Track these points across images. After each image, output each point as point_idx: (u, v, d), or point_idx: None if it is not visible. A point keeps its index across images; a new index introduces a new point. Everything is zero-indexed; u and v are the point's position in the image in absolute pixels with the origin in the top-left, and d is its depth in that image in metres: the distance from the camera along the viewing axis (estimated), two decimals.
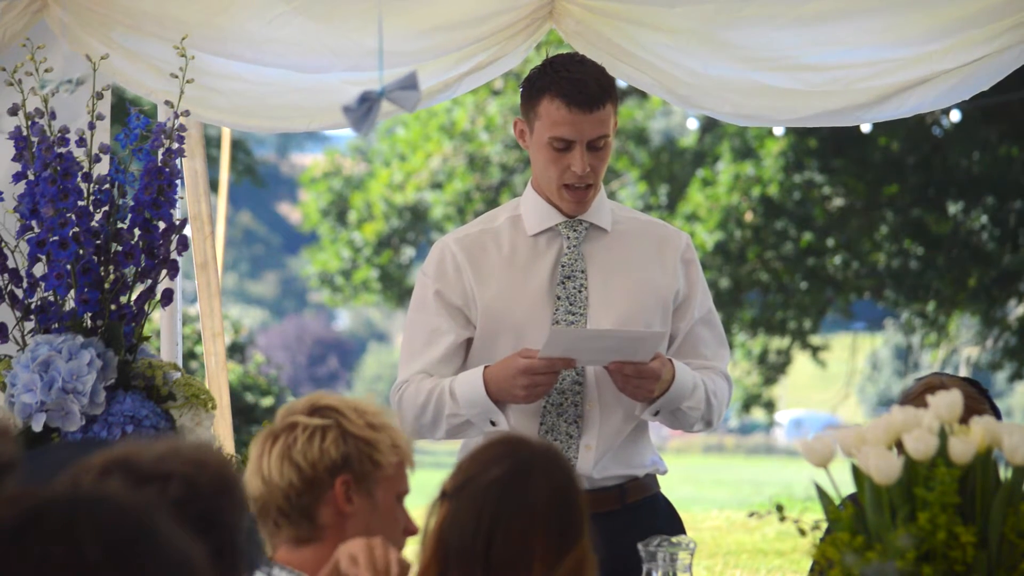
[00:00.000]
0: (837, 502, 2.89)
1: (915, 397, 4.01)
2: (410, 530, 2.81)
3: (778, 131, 16.29)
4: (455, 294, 4.07)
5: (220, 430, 4.94)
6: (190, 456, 2.06)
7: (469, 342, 4.08)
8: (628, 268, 4.08)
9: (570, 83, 3.98)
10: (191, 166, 5.07)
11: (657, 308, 4.08)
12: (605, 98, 3.98)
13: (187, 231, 4.35)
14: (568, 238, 4.08)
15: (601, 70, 4.05)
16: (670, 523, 4.08)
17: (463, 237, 4.12)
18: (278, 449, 2.83)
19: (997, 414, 4.05)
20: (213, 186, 9.75)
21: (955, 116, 15.36)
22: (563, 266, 4.06)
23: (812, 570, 3.57)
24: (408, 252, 20.59)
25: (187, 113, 4.32)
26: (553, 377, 3.90)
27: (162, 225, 4.20)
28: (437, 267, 4.09)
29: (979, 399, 4.01)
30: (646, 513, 4.07)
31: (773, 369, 19.26)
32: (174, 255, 4.24)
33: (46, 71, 4.25)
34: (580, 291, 4.04)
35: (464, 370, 4.06)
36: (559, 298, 4.03)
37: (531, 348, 3.92)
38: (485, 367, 3.97)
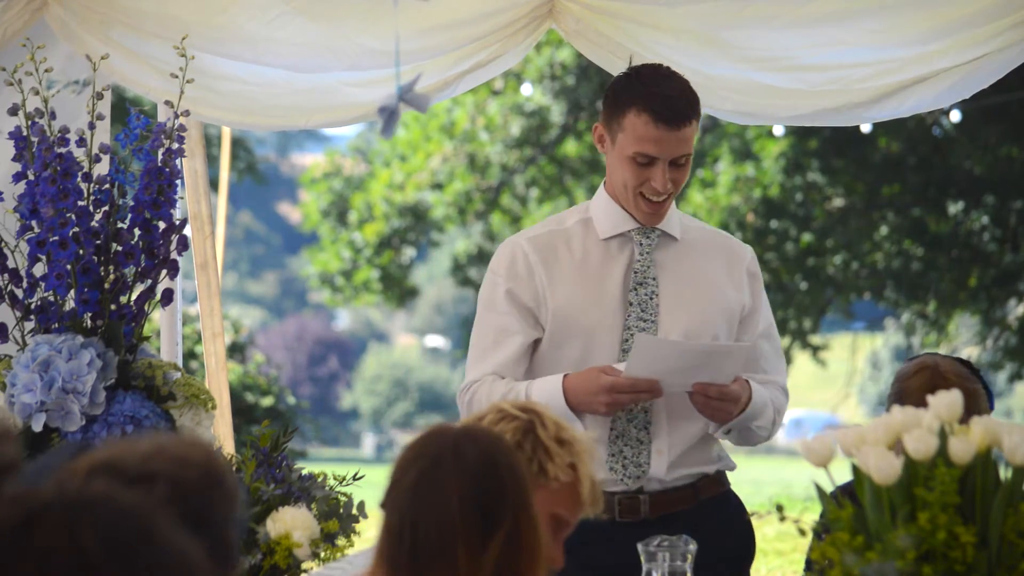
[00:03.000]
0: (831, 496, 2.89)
1: (911, 376, 4.06)
2: (553, 559, 2.78)
3: (778, 131, 16.28)
4: (527, 294, 4.04)
5: (220, 430, 4.95)
6: (175, 454, 2.03)
7: (536, 343, 4.06)
8: (698, 278, 4.07)
9: (659, 99, 3.94)
10: (191, 166, 5.08)
11: (724, 320, 4.07)
12: (691, 114, 3.96)
13: (187, 231, 4.34)
14: (641, 244, 4.06)
15: (687, 85, 4.02)
16: (738, 520, 4.07)
17: (534, 237, 4.09)
18: (472, 420, 2.90)
19: (989, 394, 4.12)
20: (213, 185, 9.75)
21: (955, 116, 15.35)
22: (636, 272, 4.04)
23: (812, 569, 3.57)
24: (409, 252, 20.58)
25: (187, 113, 4.32)
26: (636, 395, 3.89)
27: (162, 225, 4.20)
28: (509, 266, 4.05)
29: (971, 378, 4.07)
30: (718, 509, 4.07)
31: None
32: (174, 255, 4.24)
33: (46, 71, 4.25)
34: (651, 298, 4.03)
35: (530, 371, 4.05)
36: (631, 304, 4.02)
37: (613, 365, 3.91)
38: (565, 376, 3.95)
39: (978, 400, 4.04)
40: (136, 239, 4.19)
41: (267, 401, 16.24)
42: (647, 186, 3.98)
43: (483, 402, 3.95)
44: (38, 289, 4.19)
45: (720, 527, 3.99)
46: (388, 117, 3.02)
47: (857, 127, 15.07)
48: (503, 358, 4.02)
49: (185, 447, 2.05)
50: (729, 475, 4.21)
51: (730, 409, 3.91)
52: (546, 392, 3.93)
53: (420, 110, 3.07)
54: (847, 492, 3.36)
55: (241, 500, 2.07)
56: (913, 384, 4.06)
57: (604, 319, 4.01)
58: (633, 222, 4.07)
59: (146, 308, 4.23)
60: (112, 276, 4.18)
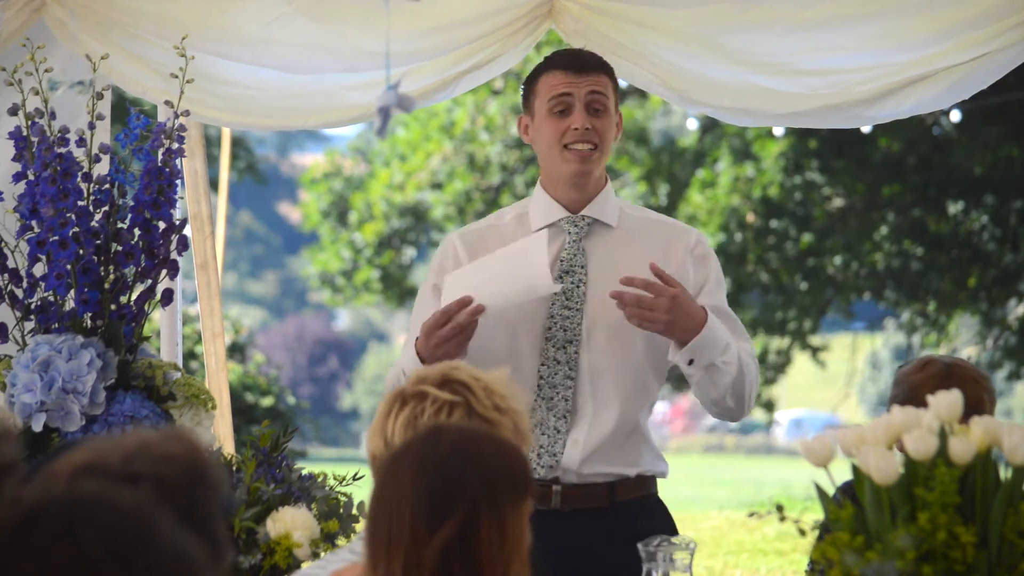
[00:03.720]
0: (832, 495, 2.89)
1: (917, 371, 4.03)
2: None
3: (778, 131, 16.28)
4: None
5: (220, 430, 4.95)
6: (158, 453, 2.02)
7: None
8: (630, 265, 4.06)
9: (565, 55, 4.12)
10: (191, 166, 5.08)
11: None
12: (600, 69, 4.09)
13: (187, 231, 4.35)
14: (570, 233, 4.08)
15: (599, 56, 4.16)
16: (661, 524, 4.05)
17: (468, 232, 4.18)
18: (405, 415, 2.87)
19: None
20: (213, 185, 9.75)
21: (955, 116, 15.35)
22: (562, 261, 4.06)
23: (812, 570, 3.57)
24: (409, 252, 20.59)
25: (187, 113, 4.32)
26: (454, 328, 3.84)
27: (162, 225, 4.20)
28: (440, 261, 4.14)
29: (989, 379, 4.06)
30: (636, 512, 4.05)
31: (773, 369, 19.26)
32: (174, 255, 4.24)
33: (46, 71, 4.25)
34: (578, 286, 4.04)
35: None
36: (556, 293, 4.03)
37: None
38: (416, 338, 3.95)
39: (993, 405, 4.04)
40: (136, 239, 4.19)
41: (267, 401, 16.25)
42: (569, 133, 4.04)
43: (389, 388, 4.00)
44: (38, 289, 4.19)
45: (640, 532, 3.98)
46: (385, 117, 3.03)
47: (857, 127, 15.08)
48: None
49: (166, 443, 2.04)
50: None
51: (657, 317, 3.83)
52: (410, 360, 3.92)
53: (406, 111, 3.08)
54: (847, 492, 3.36)
55: (226, 490, 2.06)
56: (920, 378, 4.03)
57: (527, 310, 4.01)
58: (563, 211, 4.10)
59: (146, 308, 4.23)
60: (112, 276, 4.18)
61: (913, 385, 4.04)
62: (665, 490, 4.21)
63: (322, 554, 3.83)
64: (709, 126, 17.54)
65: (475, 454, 2.53)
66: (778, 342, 18.98)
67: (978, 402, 3.93)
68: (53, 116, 4.22)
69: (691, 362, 3.93)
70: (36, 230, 4.15)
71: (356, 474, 3.98)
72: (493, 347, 4.00)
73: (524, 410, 2.92)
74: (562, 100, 4.05)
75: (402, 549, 2.48)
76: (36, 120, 4.21)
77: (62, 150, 4.18)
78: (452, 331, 3.86)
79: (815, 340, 19.05)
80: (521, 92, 4.19)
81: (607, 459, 4.04)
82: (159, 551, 1.67)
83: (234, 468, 4.00)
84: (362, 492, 3.91)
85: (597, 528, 3.98)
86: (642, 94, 17.66)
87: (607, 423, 4.03)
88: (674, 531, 4.08)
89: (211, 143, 15.76)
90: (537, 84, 4.11)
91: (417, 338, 3.94)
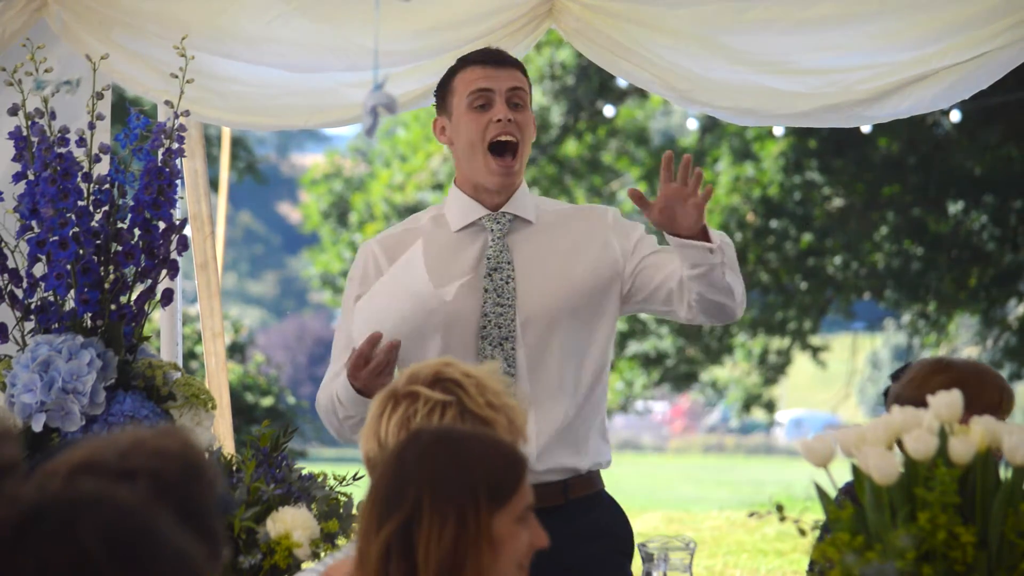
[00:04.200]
0: (833, 496, 2.89)
1: (932, 373, 4.02)
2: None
3: (778, 131, 16.29)
4: None
5: (220, 430, 4.95)
6: (154, 448, 2.02)
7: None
8: (555, 255, 4.06)
9: (479, 52, 4.10)
10: (191, 166, 5.08)
11: (588, 285, 4.04)
12: (516, 65, 4.07)
13: (187, 231, 4.35)
14: (492, 231, 4.07)
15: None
16: (615, 520, 4.05)
17: (386, 238, 4.12)
18: (398, 416, 2.85)
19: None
20: (213, 185, 9.74)
21: (955, 116, 15.36)
22: (488, 258, 4.05)
23: (811, 569, 3.57)
24: None
25: (187, 113, 4.32)
26: (377, 366, 3.81)
27: (162, 225, 4.20)
28: (361, 271, 4.09)
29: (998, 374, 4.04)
30: (590, 508, 4.03)
31: (773, 369, 19.27)
32: (174, 255, 4.24)
33: (46, 71, 4.26)
34: (507, 282, 4.03)
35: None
36: (486, 291, 4.01)
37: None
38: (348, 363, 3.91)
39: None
40: (136, 239, 4.19)
41: (267, 401, 16.27)
42: (492, 126, 4.01)
43: (322, 406, 3.99)
44: (38, 289, 4.19)
45: (596, 527, 3.97)
46: (375, 117, 3.03)
47: (857, 127, 15.08)
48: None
49: (161, 439, 2.04)
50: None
51: (696, 199, 3.81)
52: (344, 387, 3.90)
53: (391, 113, 3.08)
54: (848, 493, 3.36)
55: (221, 484, 2.07)
56: (941, 380, 4.01)
57: (460, 309, 3.99)
58: (483, 209, 4.08)
59: (146, 308, 4.23)
60: (112, 276, 4.18)
61: (932, 389, 4.02)
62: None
63: (322, 555, 3.83)
64: (709, 126, 17.54)
65: (444, 454, 2.53)
66: (778, 342, 18.99)
67: (1009, 399, 3.92)
68: (53, 116, 4.23)
69: (710, 251, 3.89)
70: (36, 230, 4.15)
71: (356, 474, 3.98)
72: (428, 350, 3.97)
73: (518, 405, 2.90)
74: (482, 94, 4.02)
75: (358, 545, 2.52)
76: (36, 120, 4.21)
77: (62, 150, 4.18)
78: (377, 367, 3.83)
79: (815, 340, 19.06)
80: (435, 95, 4.15)
81: (560, 455, 4.01)
82: (159, 550, 1.67)
83: (234, 468, 4.00)
84: (362, 492, 3.91)
85: (554, 526, 3.97)
86: (642, 94, 17.66)
87: (555, 417, 4.00)
88: (628, 525, 4.09)
89: (211, 143, 15.76)
90: (453, 82, 4.07)
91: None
